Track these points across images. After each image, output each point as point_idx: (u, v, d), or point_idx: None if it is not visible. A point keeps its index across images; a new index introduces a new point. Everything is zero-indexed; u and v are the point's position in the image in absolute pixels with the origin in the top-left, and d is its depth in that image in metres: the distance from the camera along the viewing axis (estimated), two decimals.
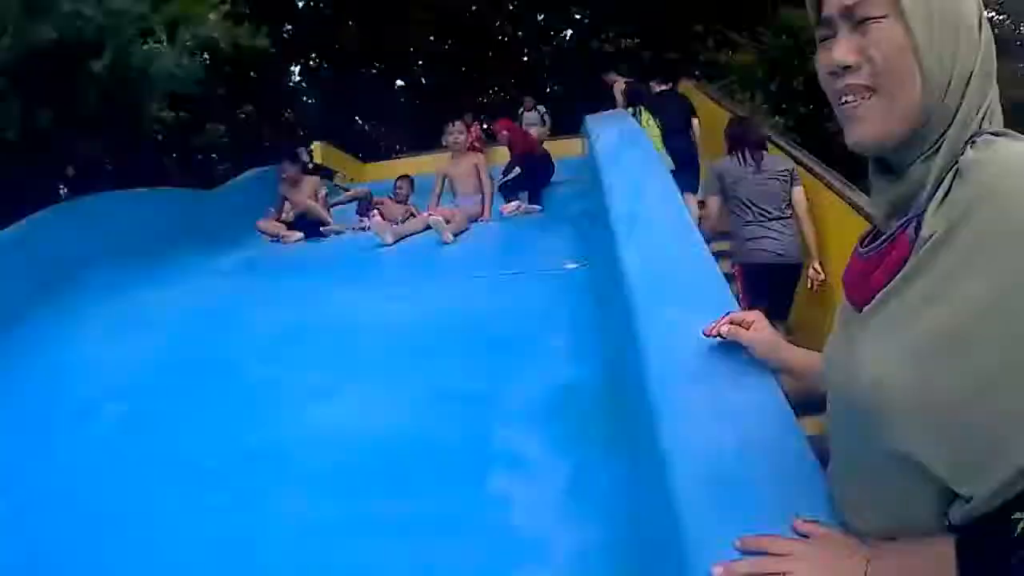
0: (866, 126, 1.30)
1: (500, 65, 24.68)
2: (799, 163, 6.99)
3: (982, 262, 1.09)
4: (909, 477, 1.21)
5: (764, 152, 6.34)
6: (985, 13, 1.24)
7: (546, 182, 9.85)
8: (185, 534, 3.33)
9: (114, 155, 11.65)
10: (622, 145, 5.19)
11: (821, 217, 6.44)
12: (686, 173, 7.94)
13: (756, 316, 2.09)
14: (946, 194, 1.16)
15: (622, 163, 4.80)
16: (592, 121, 6.93)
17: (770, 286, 5.99)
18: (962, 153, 1.18)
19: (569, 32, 26.35)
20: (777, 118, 12.83)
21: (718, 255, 3.63)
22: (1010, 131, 1.21)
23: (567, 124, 15.94)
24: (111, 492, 3.78)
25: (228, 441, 3.95)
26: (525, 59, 26.19)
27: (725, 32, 16.24)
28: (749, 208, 6.01)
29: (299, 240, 8.85)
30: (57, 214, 7.47)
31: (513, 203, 8.72)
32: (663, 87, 10.52)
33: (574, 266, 5.05)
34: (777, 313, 5.89)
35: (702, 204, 6.66)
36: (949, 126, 1.23)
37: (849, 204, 6.04)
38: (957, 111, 1.23)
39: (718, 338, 2.12)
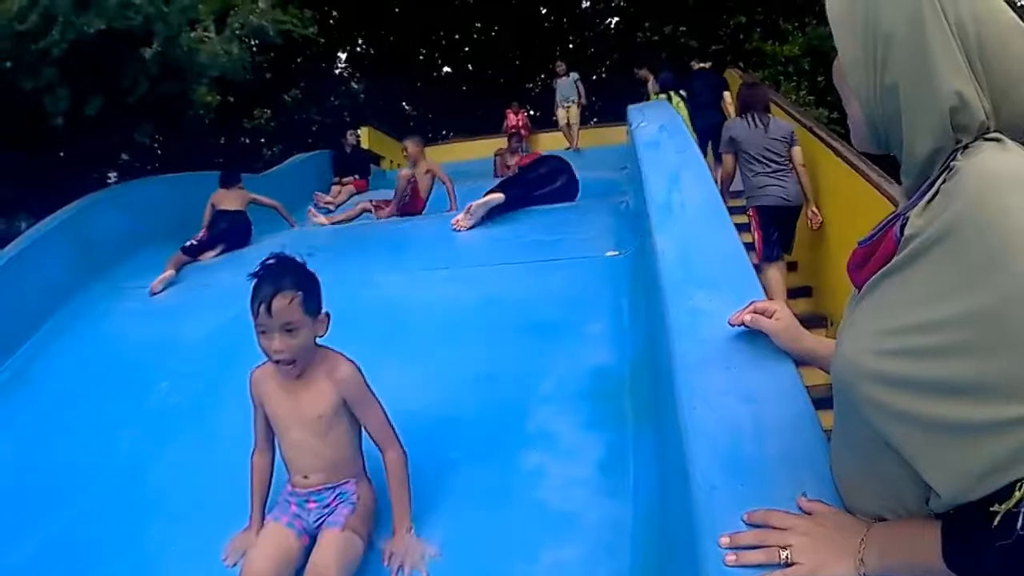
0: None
1: (546, 53, 24.65)
2: (802, 124, 8.51)
3: (947, 281, 1.18)
4: (890, 458, 1.31)
5: (770, 115, 7.48)
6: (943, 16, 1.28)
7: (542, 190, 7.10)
8: (237, 501, 3.48)
9: (163, 141, 11.83)
10: (661, 135, 5.25)
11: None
12: (716, 145, 8.65)
13: (779, 306, 2.19)
14: (933, 197, 1.25)
15: (661, 152, 4.86)
16: (634, 111, 6.99)
17: (777, 223, 7.20)
18: (952, 158, 1.26)
19: (615, 20, 26.28)
20: (821, 110, 12.79)
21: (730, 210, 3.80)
22: (1004, 137, 1.28)
23: (612, 112, 15.96)
24: (160, 466, 3.98)
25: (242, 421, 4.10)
26: (571, 47, 26.14)
27: (774, 20, 16.18)
28: (758, 162, 7.18)
29: (219, 255, 7.36)
30: (105, 198, 7.69)
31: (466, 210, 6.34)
32: (701, 65, 11.52)
33: (614, 254, 5.12)
34: (783, 246, 7.34)
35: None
36: (901, 131, 1.33)
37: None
38: (901, 116, 1.32)
39: (742, 326, 2.22)
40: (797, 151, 7.31)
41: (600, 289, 4.65)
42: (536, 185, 7.10)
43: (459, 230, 6.09)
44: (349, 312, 4.91)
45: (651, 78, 12.43)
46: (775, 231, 7.18)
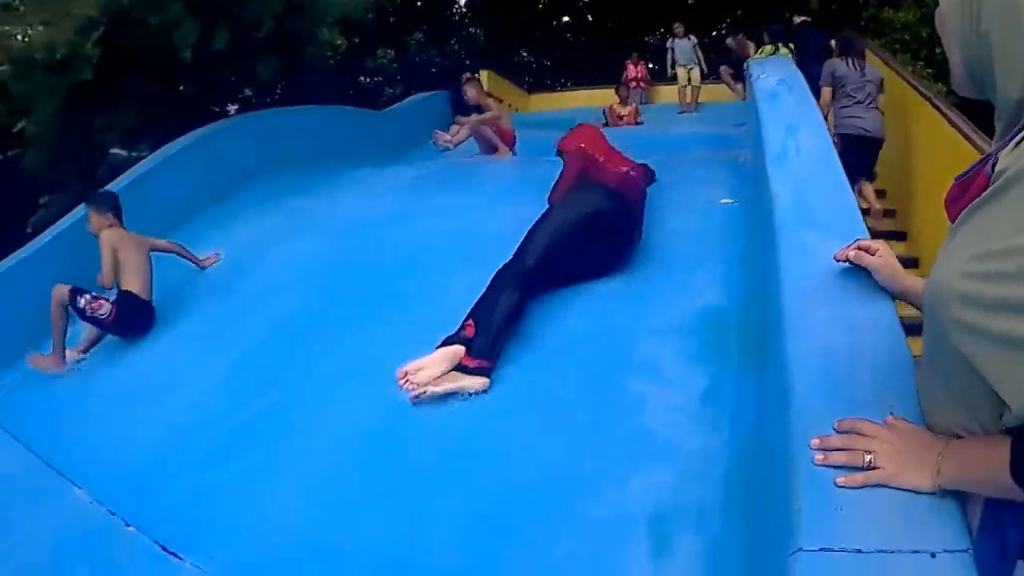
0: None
1: (665, 6, 24.35)
2: (895, 71, 9.95)
3: None
4: (970, 376, 1.42)
5: (865, 61, 8.58)
6: None
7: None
8: (335, 420, 3.75)
9: (286, 78, 12.08)
10: (780, 87, 5.31)
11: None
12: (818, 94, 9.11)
13: (881, 245, 2.30)
14: (1023, 140, 1.35)
15: (779, 103, 4.94)
16: (755, 64, 7.09)
17: (860, 151, 8.09)
18: None
19: None
20: (940, 85, 12.44)
21: None
22: None
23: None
24: (271, 380, 4.28)
25: (369, 337, 4.39)
26: (690, 1, 25.78)
27: None
28: (850, 97, 8.20)
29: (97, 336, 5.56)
30: (228, 127, 8.08)
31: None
32: (803, 18, 12.12)
33: (729, 202, 5.25)
34: (868, 173, 8.40)
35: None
36: (995, 77, 1.42)
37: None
38: (995, 63, 1.41)
39: (846, 262, 2.34)
40: (882, 97, 8.38)
41: (713, 234, 4.81)
42: (561, 251, 4.32)
43: (409, 389, 3.61)
44: (453, 240, 5.12)
45: (750, 45, 12.47)
46: (853, 158, 7.65)
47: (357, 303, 4.83)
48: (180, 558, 3.03)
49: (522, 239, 4.34)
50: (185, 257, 5.95)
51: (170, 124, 8.32)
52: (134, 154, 8.67)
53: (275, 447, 3.67)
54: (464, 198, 6.42)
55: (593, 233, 4.40)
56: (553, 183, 4.93)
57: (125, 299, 5.27)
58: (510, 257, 4.19)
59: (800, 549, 1.58)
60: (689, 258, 4.55)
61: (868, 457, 1.66)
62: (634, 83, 15.70)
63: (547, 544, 2.76)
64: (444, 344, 3.78)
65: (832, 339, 2.14)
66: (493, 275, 4.05)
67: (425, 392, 3.54)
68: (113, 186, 6.60)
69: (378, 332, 4.42)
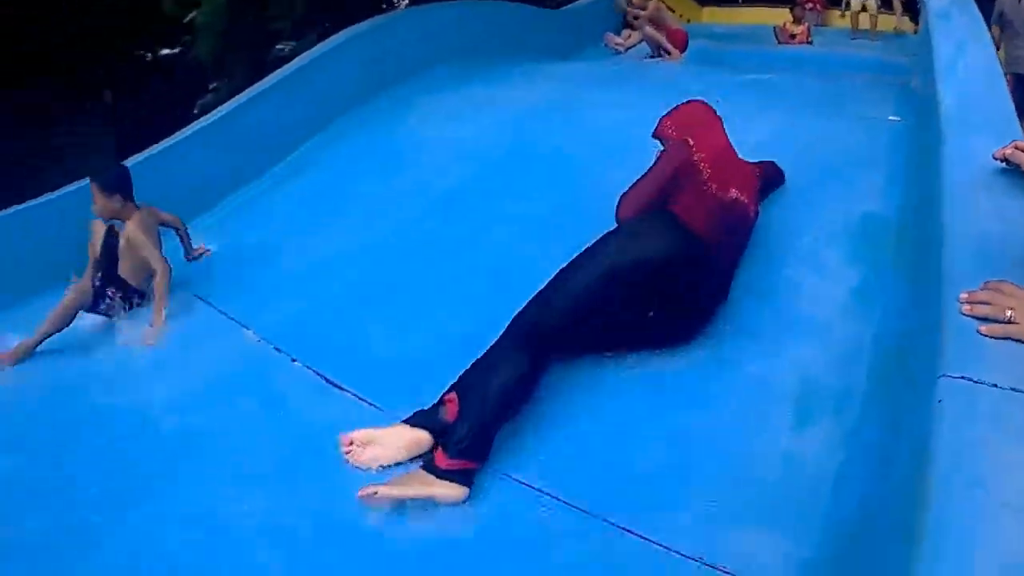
0: None
1: None
2: None
3: None
4: None
5: None
6: None
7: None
8: (488, 266, 4.09)
9: None
10: (952, 8, 5.50)
11: None
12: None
13: None
14: None
15: (951, 23, 5.17)
16: None
17: None
18: None
19: None
20: None
21: None
22: None
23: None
24: (430, 243, 4.55)
25: (527, 210, 4.63)
26: None
27: None
28: (1020, 36, 8.24)
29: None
30: (394, 20, 8.20)
31: None
32: None
33: (896, 119, 5.46)
34: None
35: None
36: None
37: None
38: None
39: (1003, 162, 2.58)
40: None
41: (879, 146, 4.99)
42: (600, 312, 3.06)
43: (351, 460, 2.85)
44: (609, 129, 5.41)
45: None
46: (1020, 96, 7.75)
47: (513, 183, 5.06)
48: (342, 388, 3.32)
49: (550, 279, 3.11)
50: (180, 239, 4.91)
51: (340, 16, 8.44)
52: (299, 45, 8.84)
53: (433, 295, 3.97)
54: (632, 96, 6.61)
55: (654, 292, 3.10)
56: (637, 179, 3.53)
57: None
58: (526, 303, 3.09)
59: (944, 375, 1.82)
60: (853, 168, 4.69)
61: (1009, 312, 1.91)
62: (810, 4, 15.42)
63: (703, 395, 3.07)
64: (411, 420, 2.90)
65: (986, 225, 2.41)
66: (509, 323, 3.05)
67: (376, 493, 2.60)
68: (280, 74, 6.74)
69: (533, 209, 4.63)
